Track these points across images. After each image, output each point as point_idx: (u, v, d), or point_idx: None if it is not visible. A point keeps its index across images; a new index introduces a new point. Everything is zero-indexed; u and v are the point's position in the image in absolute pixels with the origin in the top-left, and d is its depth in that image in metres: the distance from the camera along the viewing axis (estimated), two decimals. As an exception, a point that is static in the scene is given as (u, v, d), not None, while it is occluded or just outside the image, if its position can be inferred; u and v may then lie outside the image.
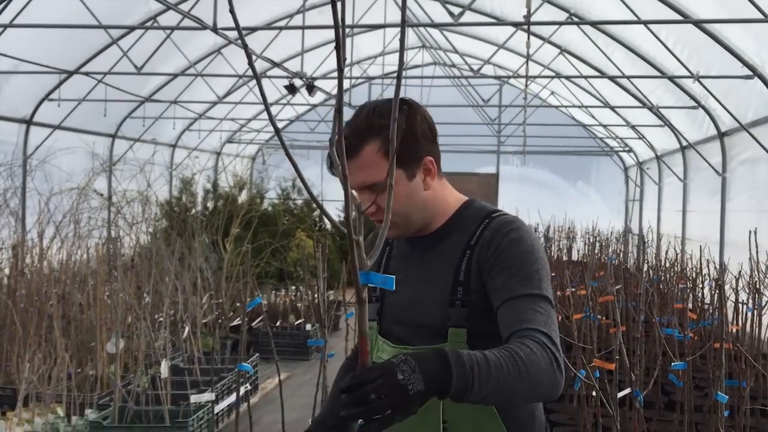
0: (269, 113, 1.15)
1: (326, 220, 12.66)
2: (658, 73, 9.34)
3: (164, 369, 5.03)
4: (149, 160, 10.41)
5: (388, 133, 1.53)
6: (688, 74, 8.09)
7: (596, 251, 9.38)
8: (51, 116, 9.93)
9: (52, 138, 9.95)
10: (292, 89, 10.40)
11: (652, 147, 12.98)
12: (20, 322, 5.29)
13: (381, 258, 1.90)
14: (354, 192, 1.64)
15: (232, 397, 4.98)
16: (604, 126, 13.61)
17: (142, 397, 5.00)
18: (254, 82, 12.82)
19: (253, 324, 8.32)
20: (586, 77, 10.90)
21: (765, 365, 4.61)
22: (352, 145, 1.65)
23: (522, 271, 1.62)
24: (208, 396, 3.61)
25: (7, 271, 6.61)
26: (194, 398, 3.91)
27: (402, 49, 1.19)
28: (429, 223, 1.80)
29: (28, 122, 9.76)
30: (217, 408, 4.92)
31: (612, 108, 11.88)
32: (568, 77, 11.37)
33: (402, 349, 1.74)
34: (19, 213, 8.15)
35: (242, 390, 3.87)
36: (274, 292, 9.82)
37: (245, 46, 1.13)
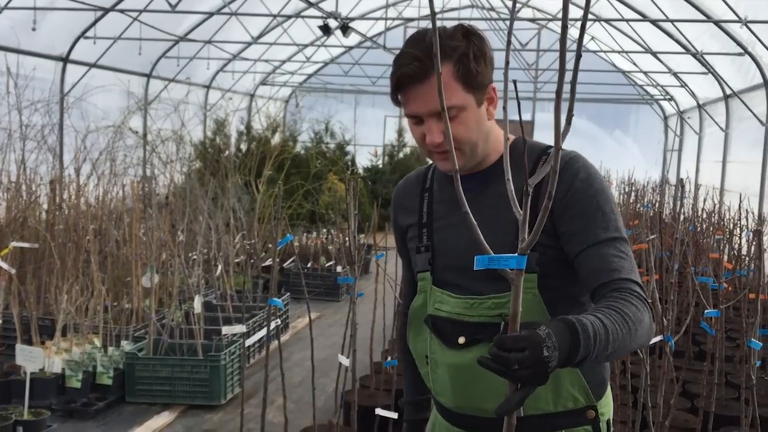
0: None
1: (357, 164, 12.60)
2: (703, 17, 9.01)
3: (197, 305, 5.14)
4: (183, 100, 10.42)
5: (460, 55, 1.54)
6: (735, 19, 7.79)
7: (631, 200, 9.25)
8: (87, 54, 9.96)
9: (88, 76, 10.01)
10: (326, 30, 10.28)
11: (693, 95, 12.63)
12: (58, 255, 5.41)
13: (421, 206, 1.77)
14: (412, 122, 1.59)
15: (263, 332, 5.07)
16: (645, 73, 13.25)
17: (176, 331, 5.13)
18: (289, 22, 12.67)
19: (284, 264, 8.42)
20: (627, 20, 10.55)
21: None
22: (423, 69, 1.53)
23: (599, 212, 1.56)
24: (239, 328, 3.68)
25: (45, 206, 6.74)
26: (225, 329, 4.00)
27: None
28: (485, 158, 1.67)
29: (65, 60, 9.82)
30: (248, 342, 5.02)
31: (654, 54, 11.53)
32: (608, 20, 11.02)
33: (468, 299, 1.62)
34: (57, 149, 8.25)
35: (272, 325, 3.93)
36: (305, 234, 9.89)
37: None
